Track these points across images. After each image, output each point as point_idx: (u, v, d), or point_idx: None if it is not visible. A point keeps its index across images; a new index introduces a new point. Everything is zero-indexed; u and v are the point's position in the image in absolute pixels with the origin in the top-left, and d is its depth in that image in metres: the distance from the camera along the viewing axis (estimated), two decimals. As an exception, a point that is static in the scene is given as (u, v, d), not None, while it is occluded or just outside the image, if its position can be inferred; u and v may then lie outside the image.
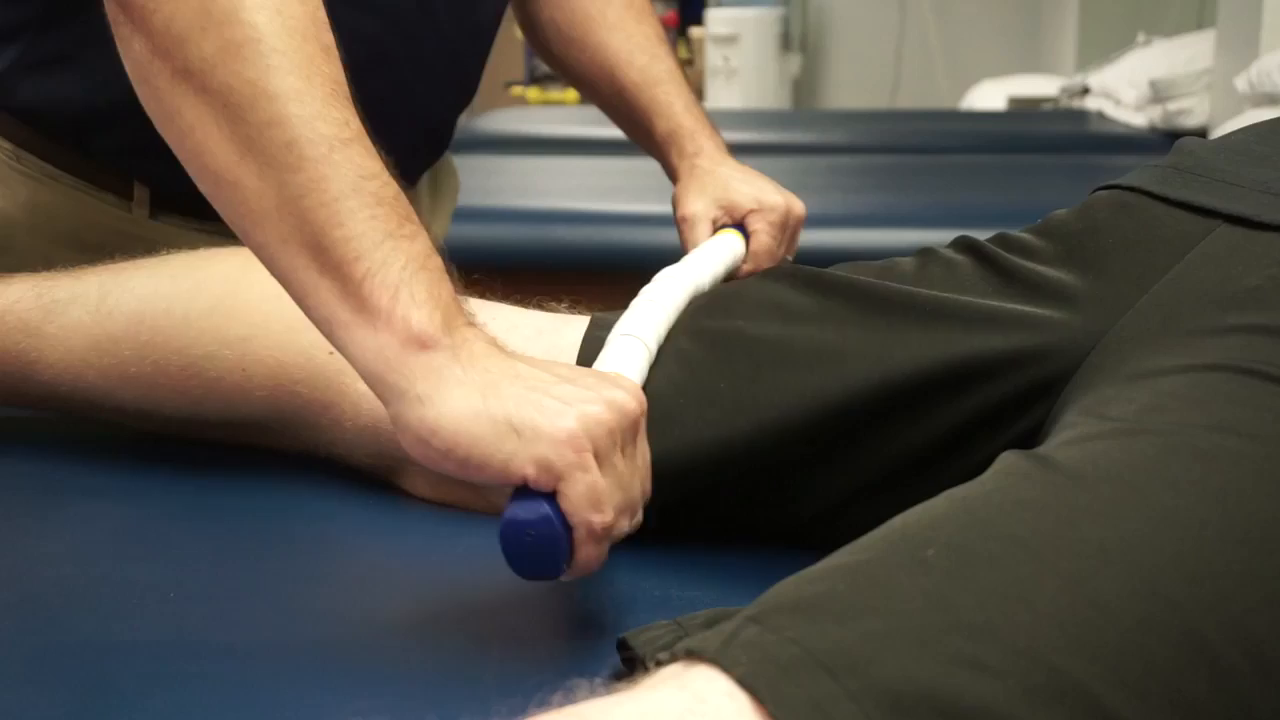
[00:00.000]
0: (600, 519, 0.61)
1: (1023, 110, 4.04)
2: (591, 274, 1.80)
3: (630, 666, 0.60)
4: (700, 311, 0.83)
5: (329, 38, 0.68)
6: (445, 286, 0.65)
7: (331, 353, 0.83)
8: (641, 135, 1.13)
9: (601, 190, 2.23)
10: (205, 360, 0.85)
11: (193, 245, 0.92)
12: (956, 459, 0.73)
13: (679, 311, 0.83)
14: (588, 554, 0.62)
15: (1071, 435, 0.61)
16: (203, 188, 0.68)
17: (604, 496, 0.61)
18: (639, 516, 0.65)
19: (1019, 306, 0.76)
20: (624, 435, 0.63)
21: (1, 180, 1.00)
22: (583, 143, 2.95)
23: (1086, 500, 0.54)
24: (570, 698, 0.47)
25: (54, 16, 0.95)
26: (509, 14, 1.16)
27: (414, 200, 1.20)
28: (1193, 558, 0.51)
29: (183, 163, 0.69)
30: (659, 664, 0.49)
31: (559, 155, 2.81)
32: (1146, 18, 4.00)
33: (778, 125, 3.57)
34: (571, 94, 5.43)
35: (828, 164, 2.67)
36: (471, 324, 0.65)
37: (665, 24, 6.26)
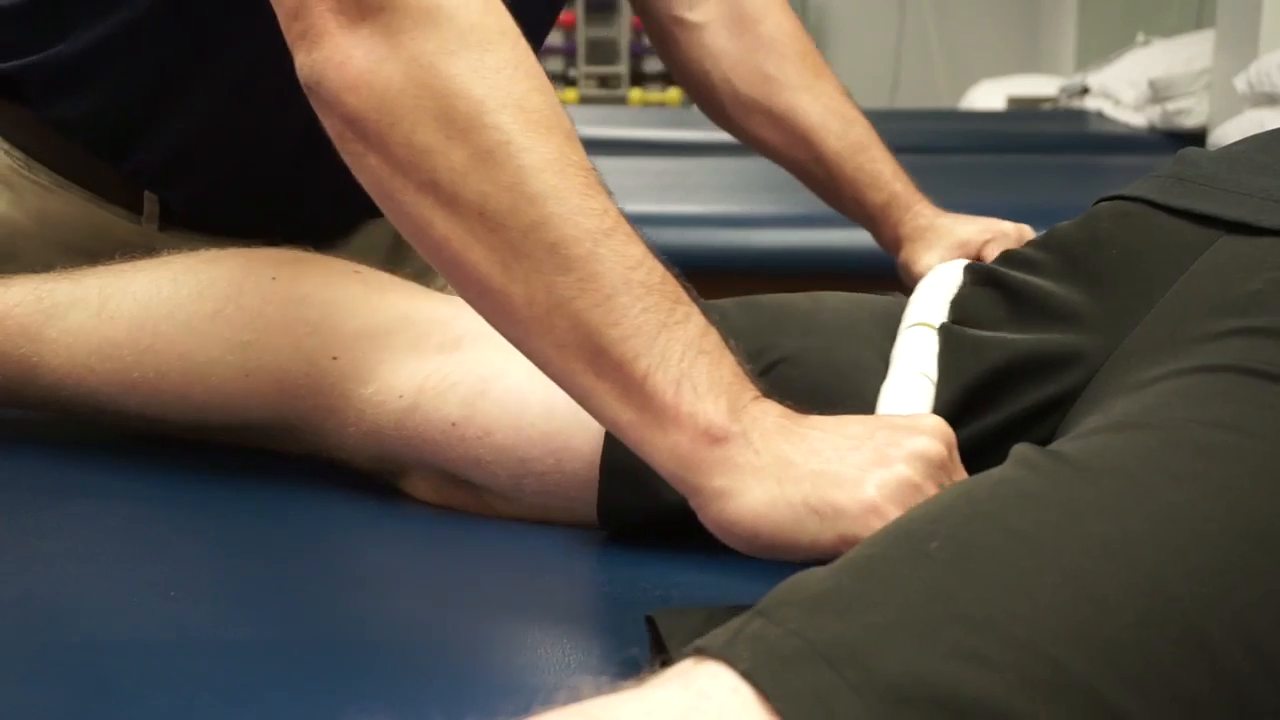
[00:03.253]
0: None
1: (1022, 110, 4.04)
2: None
3: (657, 648, 0.59)
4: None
5: (570, 123, 0.66)
6: (725, 365, 0.64)
7: (335, 358, 0.83)
8: (848, 204, 1.09)
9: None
10: (208, 366, 0.84)
11: (194, 246, 0.92)
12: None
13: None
14: None
15: (1077, 433, 0.62)
16: (465, 296, 0.66)
17: None
18: None
19: (1027, 329, 0.76)
20: (936, 480, 0.62)
21: (11, 189, 1.00)
22: (584, 143, 2.94)
23: (1089, 494, 0.54)
24: (575, 696, 0.47)
25: (93, 27, 0.94)
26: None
27: None
28: (1194, 553, 0.51)
29: (441, 273, 0.67)
30: (680, 656, 0.49)
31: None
32: (1146, 18, 4.00)
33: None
34: (572, 94, 5.42)
35: (827, 164, 2.66)
36: (759, 398, 0.64)
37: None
